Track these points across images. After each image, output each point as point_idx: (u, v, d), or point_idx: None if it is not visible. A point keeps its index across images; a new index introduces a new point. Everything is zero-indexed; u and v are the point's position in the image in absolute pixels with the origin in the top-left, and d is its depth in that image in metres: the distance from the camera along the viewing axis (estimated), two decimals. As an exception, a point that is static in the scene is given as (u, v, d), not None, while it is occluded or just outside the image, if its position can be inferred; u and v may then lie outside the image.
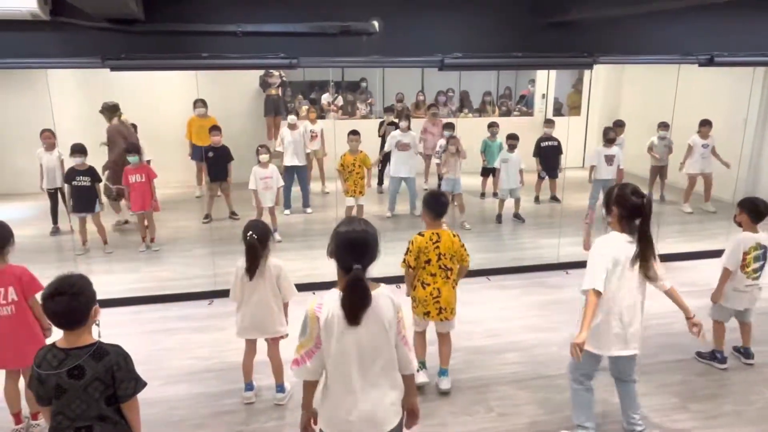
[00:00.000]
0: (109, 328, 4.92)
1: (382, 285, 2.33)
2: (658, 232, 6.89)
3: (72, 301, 2.22)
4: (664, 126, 8.15)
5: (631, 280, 3.08)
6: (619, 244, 3.07)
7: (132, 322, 5.08)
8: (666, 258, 6.37)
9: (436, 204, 3.81)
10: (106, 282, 5.86)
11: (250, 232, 3.51)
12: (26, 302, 3.39)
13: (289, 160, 8.01)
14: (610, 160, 7.50)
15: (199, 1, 4.32)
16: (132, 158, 6.52)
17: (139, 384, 2.36)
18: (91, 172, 6.49)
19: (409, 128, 7.99)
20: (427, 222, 3.84)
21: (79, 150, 6.41)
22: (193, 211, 8.02)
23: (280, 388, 3.89)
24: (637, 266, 3.05)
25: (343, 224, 2.32)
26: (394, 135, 7.98)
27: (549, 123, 8.82)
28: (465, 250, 3.82)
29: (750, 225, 4.09)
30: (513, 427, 3.62)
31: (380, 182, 9.35)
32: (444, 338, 3.97)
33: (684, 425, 3.62)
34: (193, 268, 6.22)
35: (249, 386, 3.86)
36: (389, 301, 2.29)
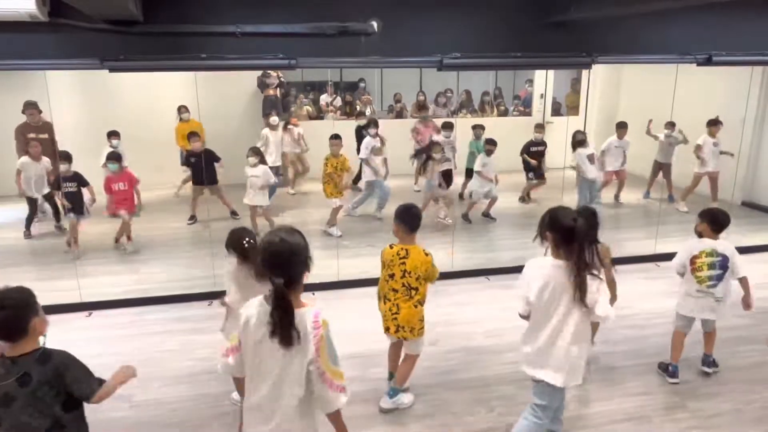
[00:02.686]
0: (109, 329, 4.96)
1: (310, 305, 2.18)
2: (657, 230, 6.92)
3: (6, 315, 2.19)
4: (670, 125, 8.16)
5: (571, 305, 2.84)
6: (549, 270, 2.87)
7: (131, 323, 5.07)
8: (664, 257, 6.45)
9: (411, 217, 3.59)
10: (104, 284, 5.85)
11: (247, 238, 3.47)
12: None
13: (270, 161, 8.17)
14: (592, 159, 7.60)
15: (197, 2, 4.32)
16: (112, 166, 6.53)
17: (97, 382, 2.35)
18: (76, 177, 6.50)
19: (377, 134, 8.01)
20: (399, 237, 3.62)
21: (64, 157, 6.44)
22: (190, 212, 7.99)
23: None
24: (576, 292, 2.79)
25: (266, 234, 2.18)
26: (368, 142, 8.01)
27: (539, 127, 8.77)
28: (435, 267, 3.64)
29: (710, 234, 3.99)
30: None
31: (356, 181, 9.30)
32: (406, 358, 3.77)
33: (684, 424, 3.63)
34: (191, 269, 6.21)
35: None
36: (307, 326, 2.12)
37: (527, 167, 8.59)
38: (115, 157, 6.63)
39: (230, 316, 3.70)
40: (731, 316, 4.20)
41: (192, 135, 7.55)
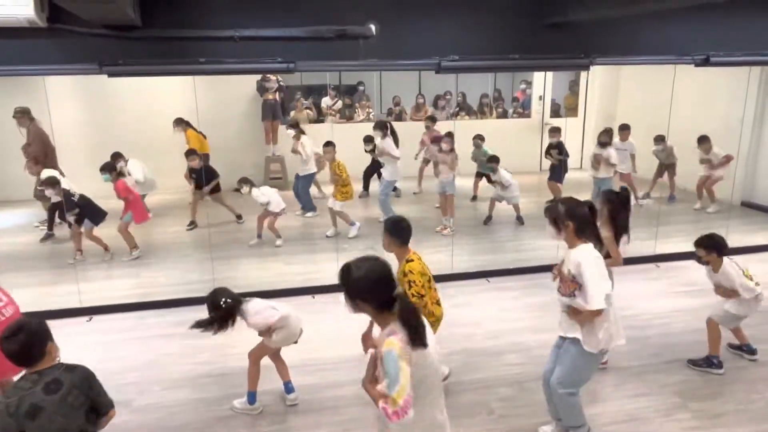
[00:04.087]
0: (109, 334, 4.96)
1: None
2: (657, 231, 6.92)
3: (24, 342, 2.32)
4: (659, 139, 8.23)
5: None
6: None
7: (132, 327, 5.07)
8: (665, 258, 6.46)
9: (403, 231, 3.59)
10: (105, 288, 5.85)
11: (225, 299, 3.58)
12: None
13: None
14: (598, 159, 7.70)
15: (196, 6, 4.32)
16: (104, 177, 6.52)
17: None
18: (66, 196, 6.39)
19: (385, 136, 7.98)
20: (396, 251, 3.59)
21: (48, 183, 6.29)
22: (189, 217, 8.00)
23: (290, 386, 3.90)
24: None
25: (357, 268, 2.22)
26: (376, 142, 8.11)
27: (552, 131, 8.72)
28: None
29: (718, 262, 4.10)
30: (514, 428, 3.61)
31: (365, 187, 9.34)
32: None
33: (685, 425, 3.62)
34: (192, 273, 6.21)
35: (256, 395, 3.83)
36: None
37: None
38: (106, 167, 6.60)
39: (279, 330, 3.71)
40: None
41: (191, 153, 7.58)
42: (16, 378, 2.47)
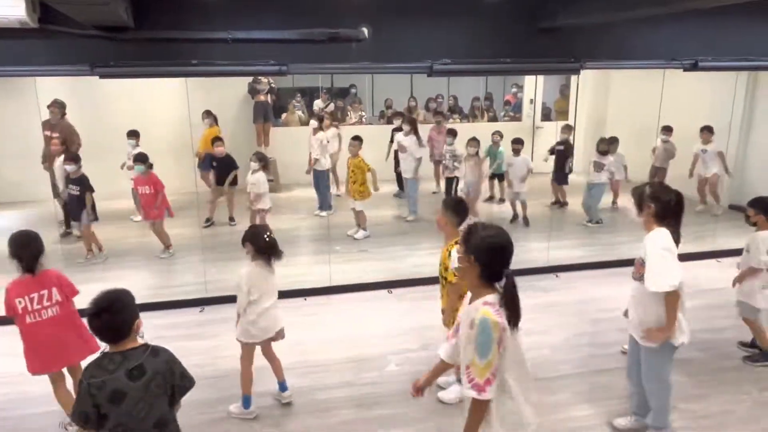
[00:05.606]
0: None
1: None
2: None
3: (115, 318, 2.27)
4: (666, 130, 8.27)
5: None
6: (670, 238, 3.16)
7: (122, 330, 5.04)
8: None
9: (463, 212, 3.66)
10: (96, 290, 5.79)
11: (269, 233, 3.70)
12: (69, 302, 3.51)
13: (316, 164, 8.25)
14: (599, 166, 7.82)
15: (188, 8, 4.32)
16: (138, 168, 6.46)
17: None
18: (81, 180, 6.39)
19: (410, 132, 8.08)
20: (449, 232, 3.65)
21: (72, 158, 6.37)
22: (186, 218, 7.94)
23: (283, 385, 3.91)
24: None
25: (485, 229, 2.27)
26: (396, 137, 8.21)
27: (565, 128, 8.75)
28: (450, 262, 3.55)
29: (766, 224, 4.18)
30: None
31: (400, 187, 9.22)
32: None
33: (674, 425, 3.65)
34: (184, 275, 6.19)
35: (250, 400, 3.82)
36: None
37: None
38: (141, 158, 6.51)
39: (255, 319, 3.71)
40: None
41: (216, 140, 7.61)
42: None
